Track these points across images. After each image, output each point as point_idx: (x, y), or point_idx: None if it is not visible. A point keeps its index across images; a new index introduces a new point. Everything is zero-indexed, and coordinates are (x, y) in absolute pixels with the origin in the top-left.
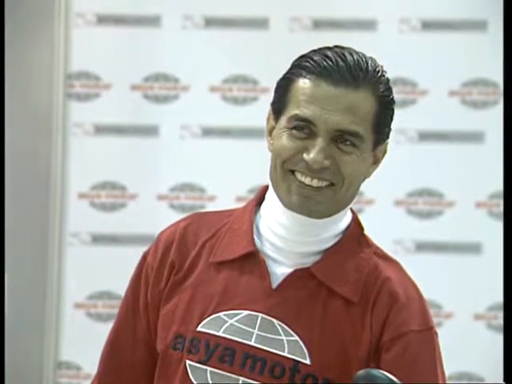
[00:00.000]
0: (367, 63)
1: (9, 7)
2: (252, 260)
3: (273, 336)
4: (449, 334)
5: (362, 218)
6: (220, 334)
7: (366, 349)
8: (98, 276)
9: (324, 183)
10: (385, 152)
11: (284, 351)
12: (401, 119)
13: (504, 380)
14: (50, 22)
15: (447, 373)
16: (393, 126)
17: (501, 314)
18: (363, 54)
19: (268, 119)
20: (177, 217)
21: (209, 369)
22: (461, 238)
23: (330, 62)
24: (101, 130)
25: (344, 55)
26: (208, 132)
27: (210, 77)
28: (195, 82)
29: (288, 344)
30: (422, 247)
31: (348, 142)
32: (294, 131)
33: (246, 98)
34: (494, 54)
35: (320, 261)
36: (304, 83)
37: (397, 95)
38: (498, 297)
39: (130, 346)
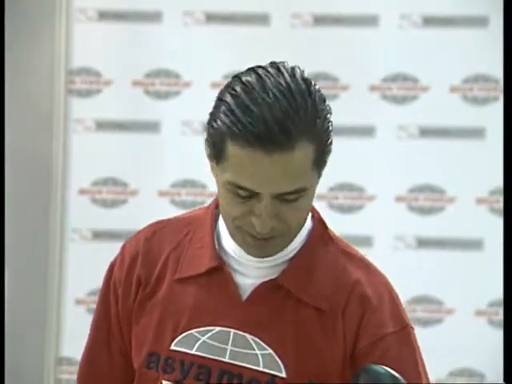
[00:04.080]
0: (297, 104)
1: (10, 3)
2: (219, 273)
3: (247, 351)
4: (450, 330)
5: (363, 214)
6: (193, 352)
7: (341, 355)
8: (99, 272)
9: (273, 235)
10: (330, 152)
11: (259, 366)
12: (402, 115)
13: (504, 377)
14: (51, 18)
15: (449, 369)
16: (394, 121)
17: (502, 310)
18: (291, 83)
19: (205, 144)
20: (178, 213)
21: None
22: (462, 234)
23: (258, 125)
24: (102, 126)
25: (271, 107)
26: None
27: (212, 73)
28: (196, 78)
29: (263, 358)
30: (423, 243)
31: (293, 199)
32: (237, 190)
33: None
34: (495, 50)
35: (286, 270)
36: (235, 151)
37: (398, 91)
38: (500, 293)
39: (107, 362)
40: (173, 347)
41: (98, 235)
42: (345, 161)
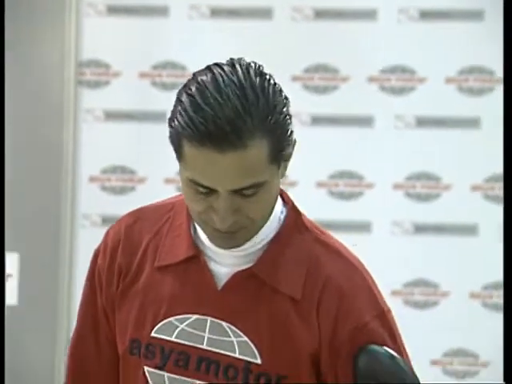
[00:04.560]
0: (249, 102)
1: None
2: (195, 262)
3: (223, 338)
4: (445, 312)
5: (362, 201)
6: (173, 339)
7: (315, 344)
8: None
9: (237, 229)
10: (294, 144)
11: (235, 353)
12: (399, 106)
13: (504, 376)
14: (61, 13)
15: (444, 349)
16: (392, 112)
17: (496, 293)
18: (243, 80)
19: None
20: None
21: (166, 374)
22: (457, 220)
23: (209, 124)
24: (111, 116)
25: (221, 106)
26: None
27: None
28: None
29: (238, 345)
30: (420, 229)
31: (251, 193)
32: (195, 190)
33: None
34: (489, 42)
35: (261, 259)
36: (190, 150)
37: (396, 82)
38: (493, 276)
39: (94, 348)
40: (153, 334)
41: (107, 221)
42: (344, 150)
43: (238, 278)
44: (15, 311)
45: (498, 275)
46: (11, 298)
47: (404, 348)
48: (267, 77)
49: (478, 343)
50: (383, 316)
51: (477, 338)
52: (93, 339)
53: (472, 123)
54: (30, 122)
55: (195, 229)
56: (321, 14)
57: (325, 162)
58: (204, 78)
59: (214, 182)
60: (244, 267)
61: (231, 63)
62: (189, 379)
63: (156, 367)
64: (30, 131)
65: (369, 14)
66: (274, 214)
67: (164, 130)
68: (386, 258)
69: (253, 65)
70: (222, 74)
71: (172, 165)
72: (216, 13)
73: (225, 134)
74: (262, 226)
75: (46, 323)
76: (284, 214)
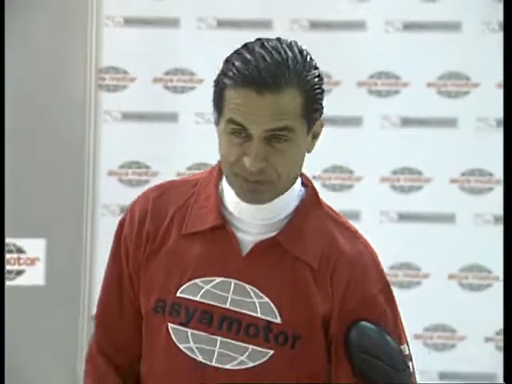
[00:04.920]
0: (288, 60)
1: (47, 10)
2: (222, 231)
3: (245, 299)
4: (426, 291)
5: (352, 193)
6: (197, 299)
7: (328, 310)
8: None
9: (264, 181)
10: (322, 125)
11: (257, 312)
12: (386, 107)
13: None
14: (83, 24)
15: (425, 324)
16: (379, 113)
17: (471, 274)
18: (286, 47)
19: (213, 115)
20: None
21: (189, 330)
22: (437, 210)
23: (252, 70)
24: (127, 116)
25: (265, 58)
26: None
27: None
28: (208, 76)
29: (260, 306)
30: (404, 217)
31: (281, 139)
32: (232, 136)
33: None
34: (466, 51)
35: (283, 230)
36: (232, 93)
37: (382, 86)
38: (469, 259)
39: (118, 313)
40: (178, 294)
41: (125, 210)
42: (337, 147)
43: (263, 246)
44: (42, 290)
45: (473, 258)
46: (39, 279)
47: (401, 322)
48: (308, 55)
49: (455, 319)
50: (387, 290)
51: (454, 315)
52: (117, 303)
53: (450, 123)
54: (56, 122)
55: (222, 201)
56: (315, 25)
57: (318, 158)
58: (253, 43)
59: (251, 121)
60: (267, 236)
61: (277, 38)
62: (211, 336)
63: (180, 324)
64: (56, 130)
65: (358, 26)
66: (294, 190)
67: (174, 129)
68: (374, 244)
69: (295, 42)
70: (269, 40)
71: (182, 160)
72: (222, 24)
73: (264, 79)
74: (286, 188)
75: (70, 300)
76: (303, 192)
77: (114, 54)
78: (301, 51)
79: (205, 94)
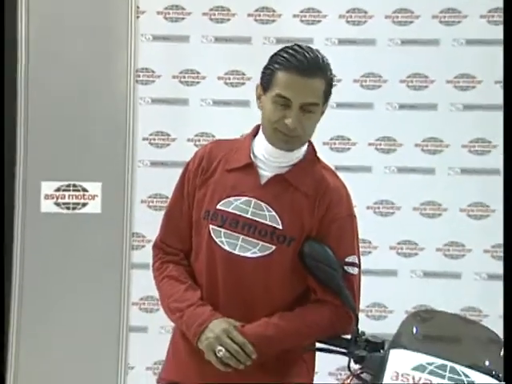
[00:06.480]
0: (319, 57)
1: (102, 33)
2: (250, 167)
3: (260, 212)
4: (375, 258)
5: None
6: (230, 210)
7: (313, 222)
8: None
9: (296, 135)
10: (327, 106)
11: (267, 221)
12: (370, 98)
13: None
14: (125, 39)
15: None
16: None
17: (411, 246)
18: (317, 50)
19: (257, 89)
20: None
21: (223, 230)
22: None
23: (299, 58)
24: (155, 101)
25: (306, 53)
26: (217, 103)
27: (217, 70)
28: (208, 74)
29: (269, 217)
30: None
31: (310, 110)
32: (276, 104)
33: (237, 84)
34: (443, 64)
35: (290, 171)
36: (282, 74)
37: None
38: (405, 236)
39: (179, 220)
40: (218, 207)
41: (155, 164)
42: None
43: (275, 179)
44: (99, 217)
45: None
46: (97, 208)
47: (358, 245)
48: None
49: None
50: (352, 217)
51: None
52: (179, 213)
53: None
54: (108, 105)
55: (253, 151)
56: (281, 41)
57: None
58: (292, 45)
59: (294, 95)
60: (280, 173)
61: (306, 45)
62: (237, 234)
63: (217, 226)
64: (108, 111)
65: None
66: (302, 148)
67: (186, 110)
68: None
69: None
70: (302, 48)
71: (191, 128)
72: (218, 40)
73: (307, 67)
74: (305, 142)
75: (115, 223)
76: (306, 148)
77: (145, 59)
78: (323, 56)
79: (207, 86)
